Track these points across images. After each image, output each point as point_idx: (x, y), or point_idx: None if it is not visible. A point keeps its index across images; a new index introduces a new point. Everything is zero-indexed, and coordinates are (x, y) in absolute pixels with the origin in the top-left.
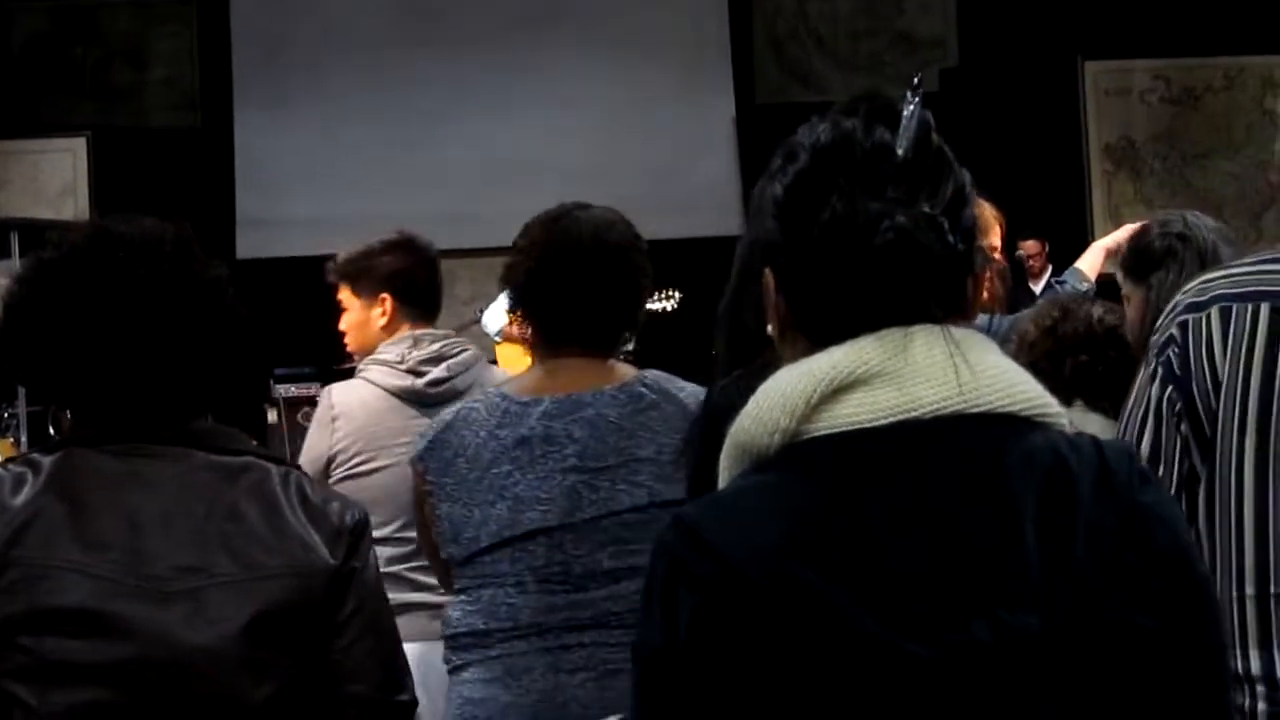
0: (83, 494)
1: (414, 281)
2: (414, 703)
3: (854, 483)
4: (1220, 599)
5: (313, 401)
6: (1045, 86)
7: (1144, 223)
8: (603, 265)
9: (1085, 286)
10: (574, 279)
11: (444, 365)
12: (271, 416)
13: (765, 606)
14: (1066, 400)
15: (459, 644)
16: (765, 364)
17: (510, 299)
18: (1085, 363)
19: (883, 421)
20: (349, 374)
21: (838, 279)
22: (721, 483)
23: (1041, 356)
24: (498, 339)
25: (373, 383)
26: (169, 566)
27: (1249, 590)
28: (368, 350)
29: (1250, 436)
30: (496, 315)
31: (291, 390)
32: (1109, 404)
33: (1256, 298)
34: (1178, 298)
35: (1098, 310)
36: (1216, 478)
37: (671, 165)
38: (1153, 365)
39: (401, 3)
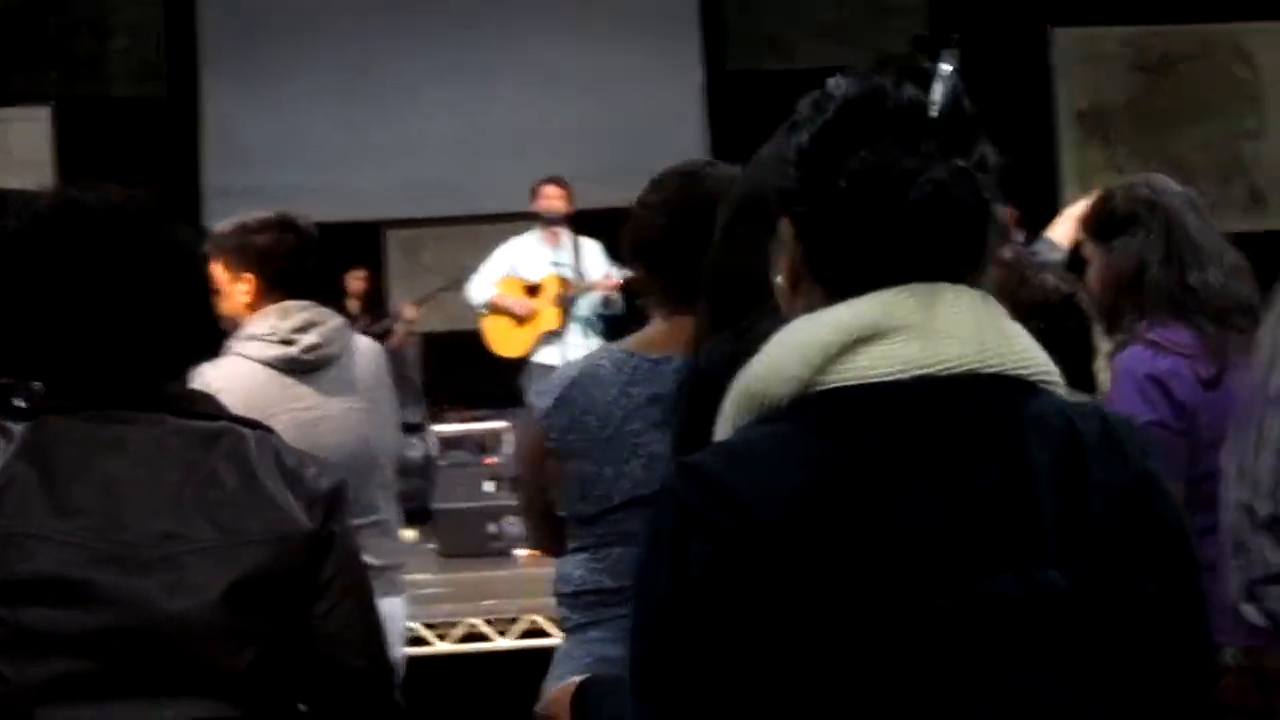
0: (57, 461)
1: (282, 264)
2: (393, 668)
3: (871, 436)
4: None
5: None
6: (1016, 54)
7: (1105, 187)
8: None
9: (1057, 256)
10: (709, 236)
11: (315, 332)
12: None
13: (784, 555)
14: None
15: (583, 602)
16: (754, 323)
17: (637, 254)
18: (1042, 330)
19: (899, 376)
20: None
21: (866, 230)
22: (722, 434)
23: None
24: (484, 311)
25: (248, 357)
26: (146, 533)
27: None
28: (233, 323)
29: None
30: (482, 286)
31: None
32: (1063, 371)
33: None
34: None
35: (1053, 278)
36: None
37: (642, 132)
38: (1278, 307)
39: None
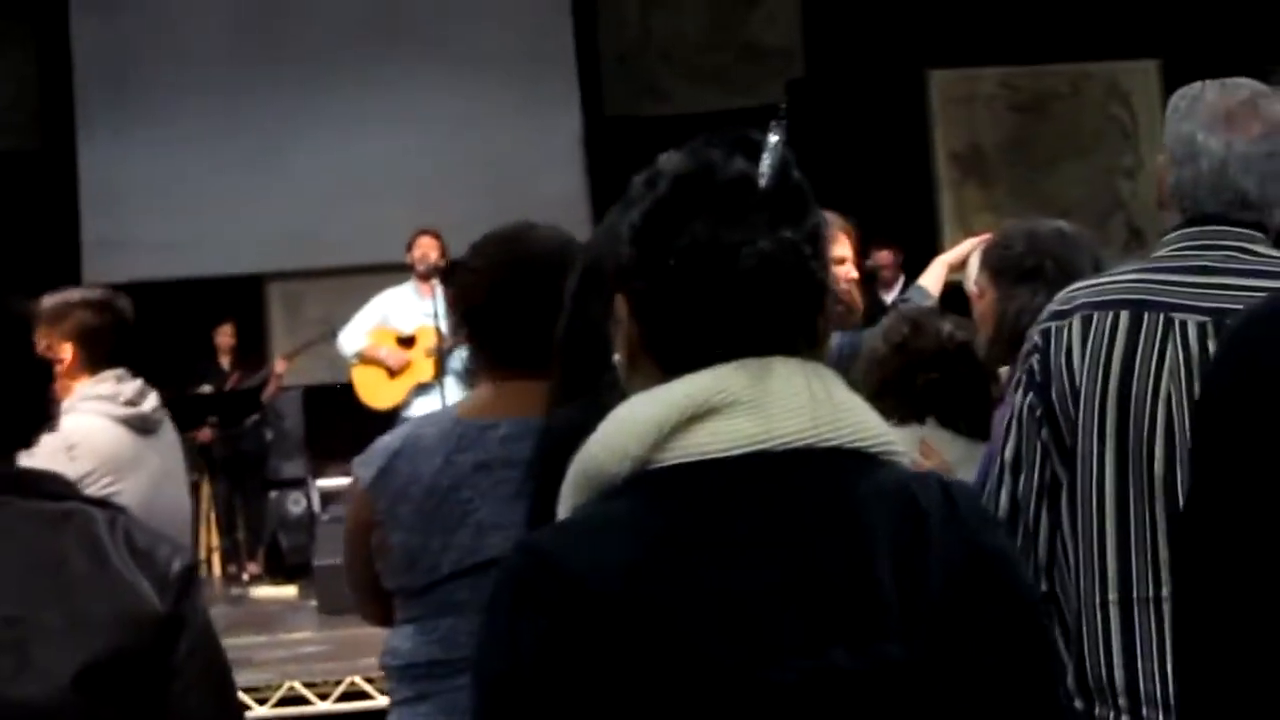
0: None
1: (98, 340)
2: None
3: (706, 511)
4: (1084, 604)
5: None
6: (892, 96)
7: (1014, 223)
8: (561, 285)
9: (929, 304)
10: (534, 299)
11: (151, 397)
12: None
13: (617, 630)
14: (918, 417)
15: (412, 674)
16: (604, 390)
17: (463, 319)
18: (936, 380)
19: (735, 451)
20: (194, 400)
21: (697, 305)
22: (563, 512)
23: (892, 373)
24: (354, 360)
25: (100, 414)
26: None
27: (1111, 595)
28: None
29: (1110, 442)
30: (354, 337)
31: None
32: (961, 421)
33: (1117, 305)
34: (1048, 306)
35: (948, 326)
36: (1078, 484)
37: (519, 180)
38: (1018, 373)
39: (243, 21)
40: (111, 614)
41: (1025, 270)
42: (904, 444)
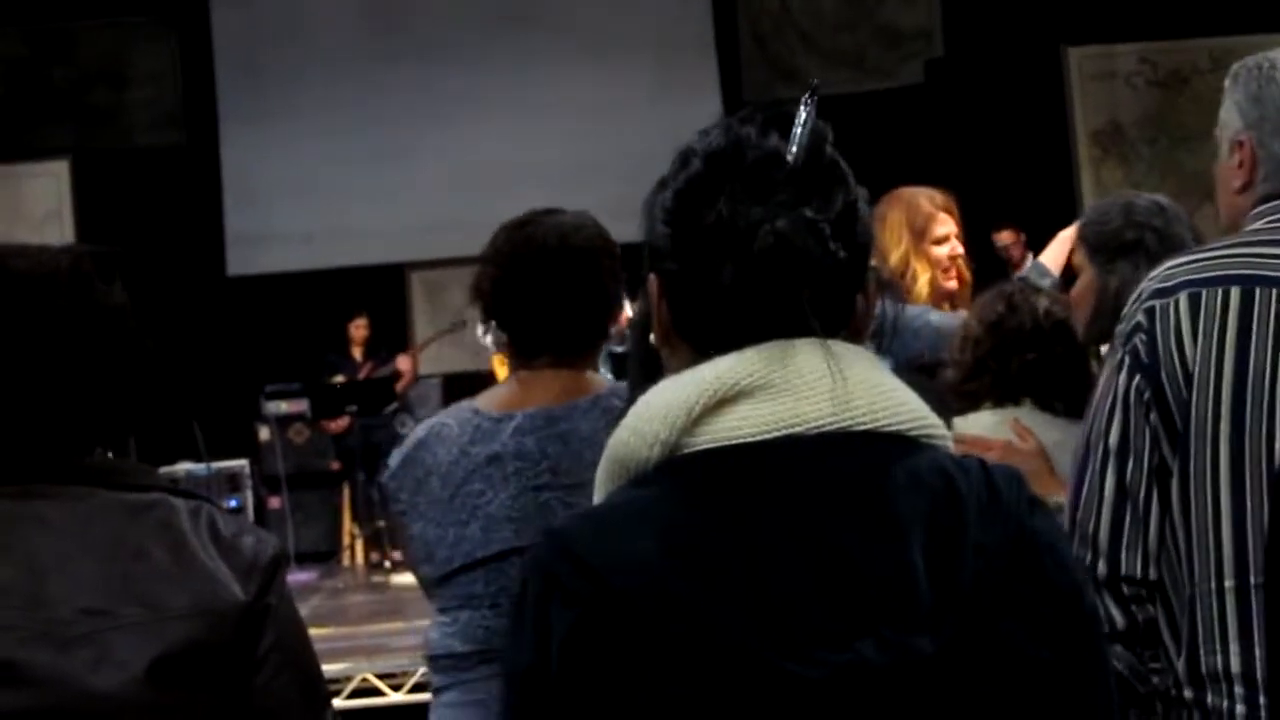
0: None
1: None
2: None
3: (735, 498)
4: (1198, 591)
5: (304, 418)
6: (1031, 74)
7: (1109, 198)
8: (569, 271)
9: (1047, 281)
10: (539, 286)
11: None
12: (264, 434)
13: (643, 623)
14: (1014, 398)
15: (439, 666)
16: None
17: (481, 310)
18: (1033, 360)
19: (765, 436)
20: (335, 390)
21: (719, 285)
22: (596, 498)
23: (987, 354)
24: (495, 349)
25: None
26: (71, 610)
27: (1228, 582)
28: None
29: (1225, 424)
30: (493, 326)
31: (282, 407)
32: (1059, 402)
33: (1225, 281)
34: (1143, 284)
35: (1044, 303)
36: (1191, 468)
37: (656, 165)
38: (1119, 354)
39: (378, 15)
40: (189, 605)
41: (1124, 244)
42: (998, 427)
